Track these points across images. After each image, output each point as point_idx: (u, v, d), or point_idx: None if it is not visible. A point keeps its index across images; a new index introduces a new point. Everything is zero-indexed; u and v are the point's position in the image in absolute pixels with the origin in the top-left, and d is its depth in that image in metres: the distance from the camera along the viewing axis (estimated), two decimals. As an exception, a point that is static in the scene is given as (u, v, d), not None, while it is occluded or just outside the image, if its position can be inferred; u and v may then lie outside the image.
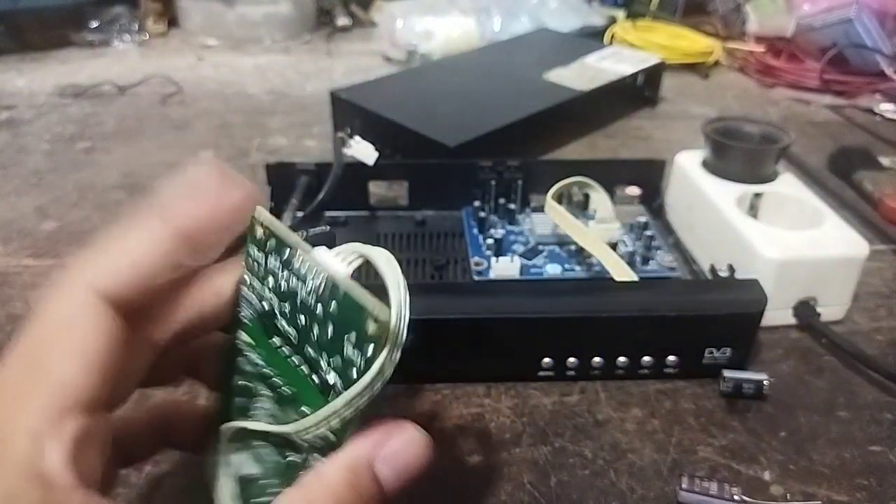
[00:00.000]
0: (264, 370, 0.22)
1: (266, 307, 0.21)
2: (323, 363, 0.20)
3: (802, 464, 0.31)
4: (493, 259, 0.42)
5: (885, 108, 0.74)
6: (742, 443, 0.32)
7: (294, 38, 0.99)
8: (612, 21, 0.95)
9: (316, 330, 0.20)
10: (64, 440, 0.15)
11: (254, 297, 0.22)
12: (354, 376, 0.19)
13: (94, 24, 0.94)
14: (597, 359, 0.35)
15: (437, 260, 0.43)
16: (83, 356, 0.16)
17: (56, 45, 0.91)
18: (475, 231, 0.46)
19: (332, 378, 0.19)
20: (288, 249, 0.20)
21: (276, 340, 0.21)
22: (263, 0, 0.96)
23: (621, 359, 0.35)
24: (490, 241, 0.44)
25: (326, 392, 0.20)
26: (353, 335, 0.19)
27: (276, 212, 0.47)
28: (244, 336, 0.22)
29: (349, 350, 0.19)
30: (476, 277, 0.42)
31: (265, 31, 0.97)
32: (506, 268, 0.42)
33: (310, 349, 0.20)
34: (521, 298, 0.35)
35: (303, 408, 0.21)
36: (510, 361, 0.35)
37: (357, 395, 0.18)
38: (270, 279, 0.21)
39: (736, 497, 0.28)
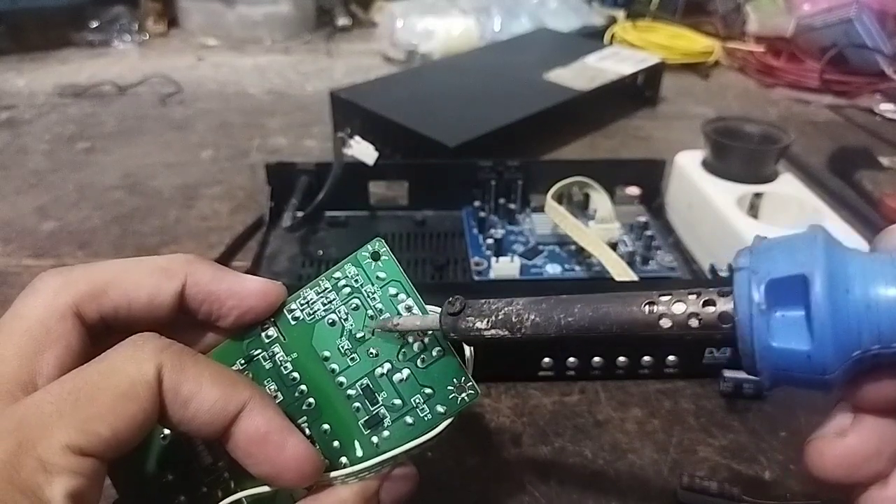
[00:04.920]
0: (291, 373, 0.21)
1: (334, 319, 0.21)
2: (380, 397, 0.21)
3: (802, 464, 0.31)
4: (493, 259, 0.42)
5: (885, 108, 0.74)
6: (742, 443, 0.32)
7: (294, 38, 0.99)
8: (612, 21, 0.95)
9: (388, 366, 0.21)
10: (72, 478, 0.15)
11: (319, 303, 0.22)
12: (410, 423, 0.21)
13: (94, 24, 0.94)
14: (597, 358, 0.35)
15: (437, 260, 0.43)
16: (122, 414, 0.16)
17: (56, 45, 0.91)
18: (475, 231, 0.46)
19: (384, 414, 0.21)
20: (396, 283, 0.21)
21: (327, 353, 0.21)
22: (263, 0, 0.96)
23: (621, 359, 0.35)
24: (490, 241, 0.44)
25: (372, 425, 0.21)
26: (431, 391, 0.21)
27: (276, 212, 0.47)
28: (273, 331, 0.22)
29: (418, 400, 0.21)
30: (476, 277, 0.42)
31: (265, 31, 0.97)
32: (506, 268, 0.41)
33: (370, 380, 0.21)
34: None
35: (324, 425, 0.21)
36: (510, 361, 0.35)
37: (418, 445, 0.20)
38: (355, 300, 0.21)
39: (736, 497, 0.28)
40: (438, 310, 0.21)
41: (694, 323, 0.17)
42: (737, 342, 0.16)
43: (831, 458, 0.17)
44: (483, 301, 0.20)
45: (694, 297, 0.17)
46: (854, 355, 0.15)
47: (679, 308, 0.17)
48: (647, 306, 0.17)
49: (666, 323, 0.17)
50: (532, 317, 0.19)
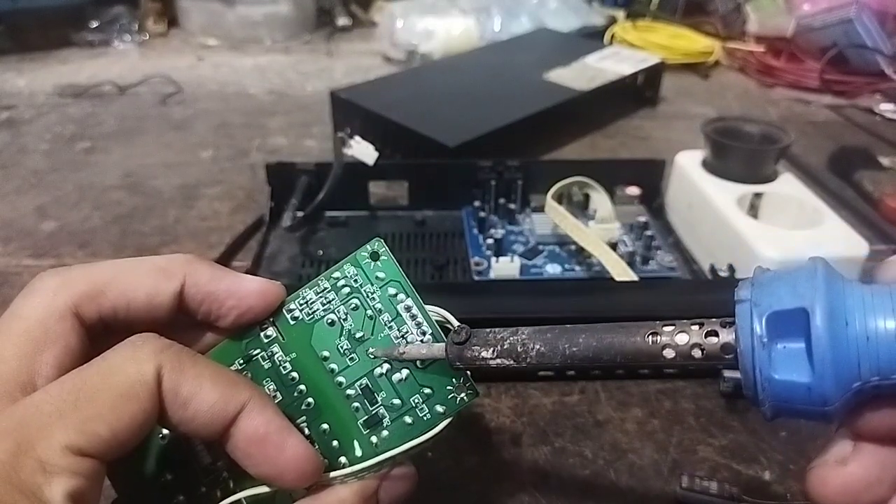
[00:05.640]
0: (290, 373, 0.21)
1: (333, 319, 0.21)
2: (379, 397, 0.21)
3: (802, 464, 0.31)
4: (493, 259, 0.42)
5: (885, 108, 0.74)
6: (742, 443, 0.32)
7: (294, 38, 0.99)
8: (612, 21, 0.95)
9: (387, 366, 0.21)
10: (72, 478, 0.15)
11: (318, 303, 0.22)
12: (409, 422, 0.21)
13: (94, 24, 0.94)
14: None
15: (437, 260, 0.43)
16: (122, 414, 0.16)
17: (56, 45, 0.91)
18: (475, 231, 0.46)
19: (384, 413, 0.21)
20: (395, 284, 0.21)
21: (326, 353, 0.21)
22: (263, 0, 0.96)
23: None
24: (490, 241, 0.44)
25: (372, 425, 0.21)
26: (430, 391, 0.21)
27: (276, 212, 0.47)
28: (272, 331, 0.22)
29: (417, 400, 0.21)
30: (476, 277, 0.42)
31: (265, 31, 0.97)
32: (506, 268, 0.41)
33: (369, 380, 0.21)
34: (521, 298, 0.35)
35: (323, 424, 0.21)
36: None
37: (417, 445, 0.20)
38: (355, 300, 0.21)
39: (736, 497, 0.28)
40: (437, 309, 0.21)
41: (697, 353, 0.17)
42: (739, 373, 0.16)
43: (833, 487, 0.17)
44: (489, 330, 0.20)
45: (697, 327, 0.17)
46: (854, 387, 0.15)
47: (682, 339, 0.17)
48: (650, 337, 0.17)
49: (669, 353, 0.17)
50: (537, 346, 0.19)
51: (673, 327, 0.17)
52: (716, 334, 0.17)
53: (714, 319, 0.17)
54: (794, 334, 0.15)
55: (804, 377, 0.15)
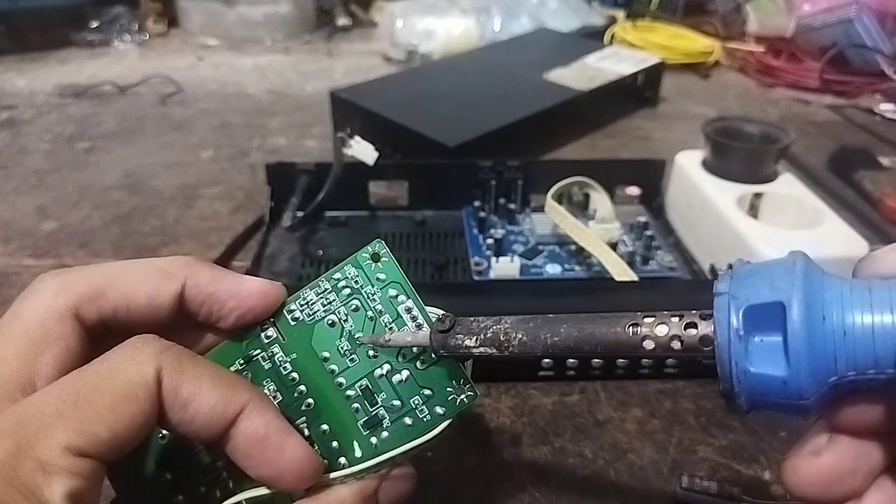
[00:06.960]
0: (291, 373, 0.21)
1: (333, 320, 0.21)
2: (380, 398, 0.21)
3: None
4: (493, 259, 0.42)
5: (885, 108, 0.74)
6: (742, 443, 0.32)
7: (294, 38, 0.99)
8: (612, 21, 0.95)
9: (387, 367, 0.21)
10: (71, 479, 0.15)
11: (319, 304, 0.22)
12: (409, 424, 0.21)
13: (94, 24, 0.94)
14: (596, 359, 0.35)
15: (437, 260, 0.43)
16: (121, 415, 0.16)
17: (56, 45, 0.91)
18: (475, 231, 0.46)
19: (384, 414, 0.21)
20: (396, 285, 0.21)
21: (327, 354, 0.21)
22: (263, 0, 0.96)
23: (621, 359, 0.35)
24: (490, 241, 0.44)
25: (371, 426, 0.21)
26: (430, 392, 0.21)
27: (276, 212, 0.47)
28: (272, 332, 0.22)
29: (417, 401, 0.21)
30: (476, 277, 0.42)
31: (265, 31, 0.97)
32: (506, 268, 0.41)
33: (369, 381, 0.21)
34: (521, 298, 0.35)
35: (322, 425, 0.21)
36: (510, 361, 0.35)
37: (417, 446, 0.20)
38: (355, 301, 0.21)
39: (736, 497, 0.28)
40: (437, 311, 0.21)
41: (676, 345, 0.17)
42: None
43: (805, 476, 0.17)
44: (472, 319, 0.20)
45: (677, 319, 0.17)
46: (830, 381, 0.15)
47: (662, 330, 0.17)
48: (630, 328, 0.17)
49: (649, 344, 0.17)
50: (519, 336, 0.19)
51: (653, 318, 0.17)
52: (695, 326, 0.17)
53: (694, 312, 0.17)
54: (771, 328, 0.15)
55: (780, 371, 0.15)
